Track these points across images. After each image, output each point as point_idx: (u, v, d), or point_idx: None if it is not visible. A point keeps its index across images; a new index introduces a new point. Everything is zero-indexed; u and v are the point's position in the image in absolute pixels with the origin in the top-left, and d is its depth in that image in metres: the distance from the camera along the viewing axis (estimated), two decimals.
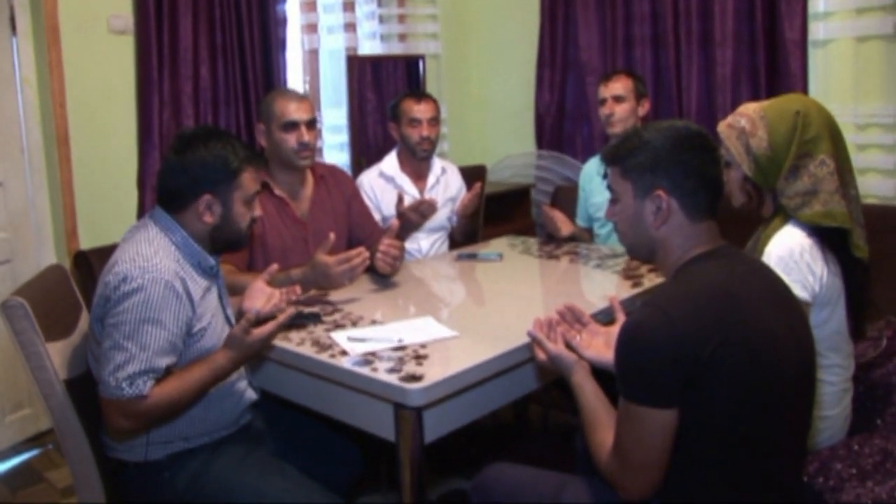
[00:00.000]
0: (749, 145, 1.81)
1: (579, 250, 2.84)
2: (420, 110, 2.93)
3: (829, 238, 1.77)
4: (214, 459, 1.80)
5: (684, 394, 1.33)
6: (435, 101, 3.02)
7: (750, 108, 1.85)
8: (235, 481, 1.77)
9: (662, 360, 1.32)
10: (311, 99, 3.89)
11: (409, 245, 3.00)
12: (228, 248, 1.87)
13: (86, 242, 3.12)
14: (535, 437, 3.04)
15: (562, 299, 1.85)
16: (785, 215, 1.80)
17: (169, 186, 1.77)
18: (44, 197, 3.15)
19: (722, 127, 1.88)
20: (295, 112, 2.44)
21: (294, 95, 2.50)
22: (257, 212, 1.87)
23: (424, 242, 3.05)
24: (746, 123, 1.82)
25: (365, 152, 3.97)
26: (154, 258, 1.68)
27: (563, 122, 4.30)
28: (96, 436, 1.79)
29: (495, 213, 4.17)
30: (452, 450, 2.61)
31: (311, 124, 2.47)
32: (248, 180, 1.80)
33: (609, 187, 1.56)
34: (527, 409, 3.11)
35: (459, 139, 4.66)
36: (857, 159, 3.31)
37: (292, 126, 2.43)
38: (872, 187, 3.31)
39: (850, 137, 3.31)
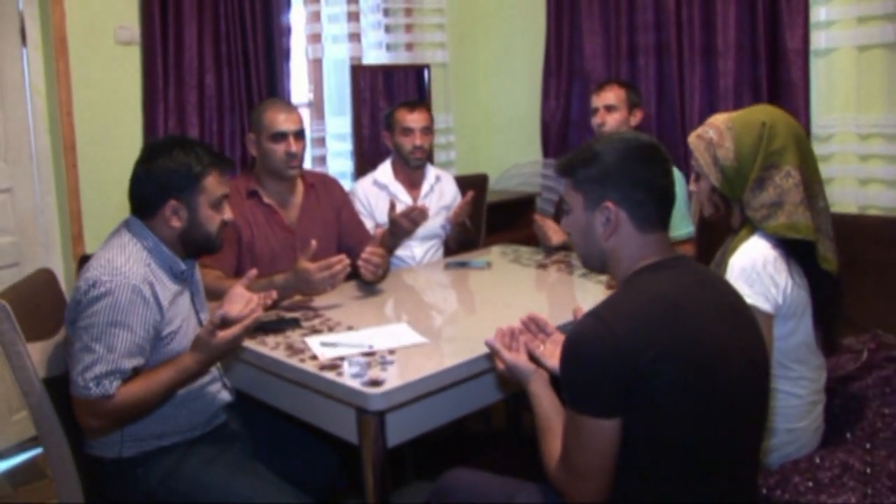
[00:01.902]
0: (716, 156, 1.82)
1: (569, 260, 2.85)
2: (413, 119, 2.97)
3: (795, 250, 1.77)
4: (186, 458, 1.86)
5: (626, 403, 1.34)
6: (429, 111, 3.05)
7: (719, 119, 1.86)
8: (206, 479, 1.83)
9: (602, 371, 1.33)
10: (314, 106, 3.98)
11: (403, 252, 3.04)
12: (201, 251, 1.92)
13: (91, 247, 3.21)
14: (526, 444, 3.05)
15: (543, 308, 1.87)
16: (752, 227, 1.80)
17: (138, 194, 1.84)
18: (51, 202, 3.24)
19: (692, 138, 1.89)
20: (283, 123, 2.49)
21: (283, 106, 2.56)
22: (227, 215, 1.92)
23: (418, 250, 3.08)
24: (714, 134, 1.83)
25: (375, 160, 3.98)
26: (124, 264, 1.75)
27: (568, 131, 4.32)
28: (76, 433, 1.85)
29: (500, 222, 4.20)
30: (442, 455, 2.65)
31: (300, 135, 2.52)
32: (213, 184, 1.86)
33: (562, 198, 1.58)
34: (520, 416, 3.12)
35: (466, 148, 4.69)
36: (859, 170, 3.30)
37: (281, 137, 2.48)
38: (874, 198, 3.28)
39: (852, 147, 3.30)
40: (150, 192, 1.82)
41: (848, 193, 3.34)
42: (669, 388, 1.33)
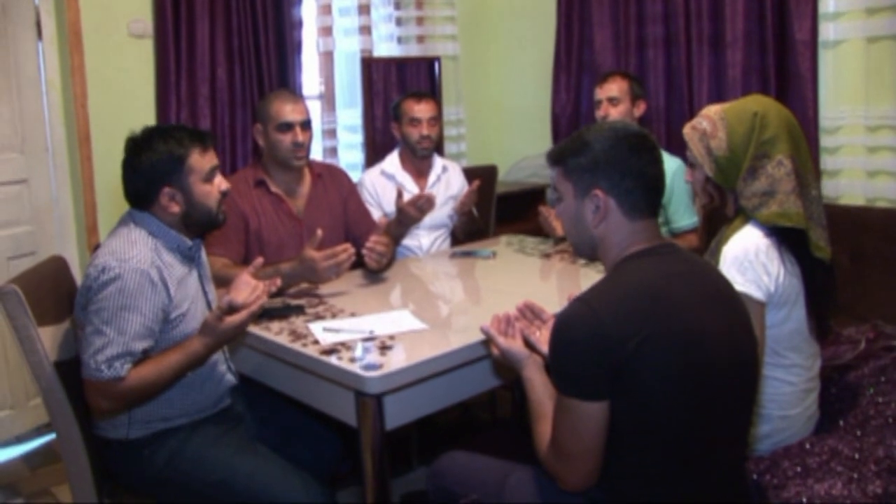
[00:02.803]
0: (710, 147, 1.84)
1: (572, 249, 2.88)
2: (420, 110, 3.01)
3: (787, 238, 1.79)
4: (191, 438, 1.91)
5: (612, 387, 1.38)
6: (436, 101, 3.09)
7: (712, 110, 1.89)
8: (210, 459, 1.88)
9: (587, 354, 1.37)
10: (326, 99, 4.02)
11: (410, 242, 3.08)
12: (205, 228, 1.98)
13: (105, 236, 3.27)
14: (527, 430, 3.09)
15: (545, 296, 1.90)
16: (746, 215, 1.83)
17: (132, 190, 1.90)
18: (66, 193, 3.31)
19: (686, 129, 1.91)
20: (290, 114, 2.53)
21: (289, 97, 2.60)
22: (224, 185, 1.97)
23: (425, 240, 3.11)
24: (708, 125, 1.86)
25: (388, 151, 3.97)
26: (131, 250, 1.81)
27: (578, 123, 4.32)
28: (86, 415, 1.91)
29: (510, 213, 4.22)
30: (447, 443, 2.69)
31: (306, 125, 2.57)
32: (198, 160, 1.90)
33: (554, 186, 1.61)
34: (525, 405, 3.15)
35: (477, 140, 4.72)
36: (867, 162, 3.29)
37: (287, 127, 2.53)
38: (882, 190, 3.27)
39: (860, 140, 3.30)
40: (142, 186, 1.88)
41: (856, 185, 3.33)
42: (654, 373, 1.36)
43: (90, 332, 1.77)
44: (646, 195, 1.51)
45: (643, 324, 1.36)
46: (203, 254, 2.06)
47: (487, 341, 1.76)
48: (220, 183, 1.96)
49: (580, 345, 1.37)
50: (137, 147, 1.88)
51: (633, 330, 1.35)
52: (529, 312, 1.80)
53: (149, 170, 1.86)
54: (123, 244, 1.82)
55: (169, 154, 1.86)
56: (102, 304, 1.76)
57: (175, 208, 1.89)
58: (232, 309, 1.82)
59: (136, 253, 1.80)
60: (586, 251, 1.60)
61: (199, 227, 1.95)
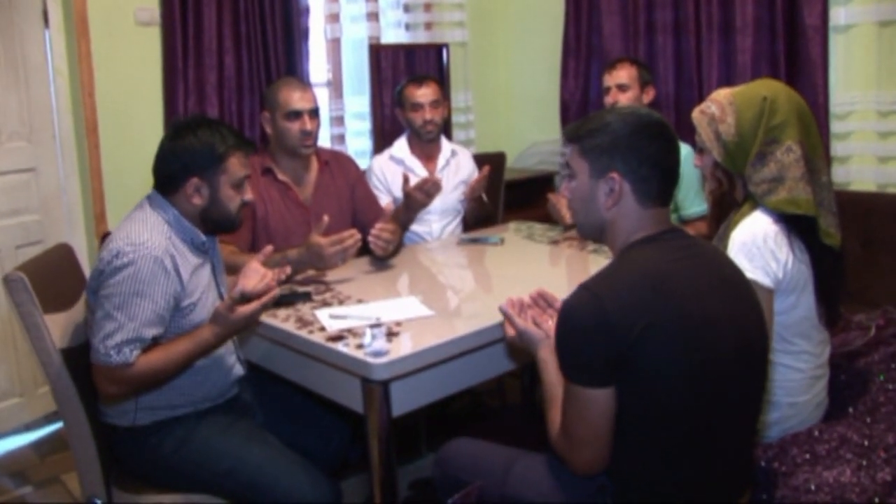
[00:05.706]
0: (718, 131, 1.83)
1: None
2: (421, 94, 3.00)
3: (796, 225, 1.77)
4: (200, 427, 1.91)
5: (618, 374, 1.37)
6: (437, 83, 3.07)
7: (721, 95, 1.87)
8: (218, 448, 1.88)
9: (591, 342, 1.36)
10: (333, 86, 4.01)
11: (421, 228, 3.07)
12: (219, 229, 1.97)
13: (113, 225, 3.27)
14: (536, 417, 3.09)
15: (550, 283, 1.90)
16: (754, 201, 1.81)
17: (162, 170, 1.89)
18: (74, 182, 3.32)
19: (695, 113, 1.89)
20: (298, 102, 2.53)
21: (298, 85, 2.59)
22: (248, 196, 1.96)
23: (436, 225, 3.10)
24: (717, 110, 1.84)
25: (396, 138, 4.00)
26: (146, 236, 1.80)
27: (587, 110, 4.29)
28: (92, 401, 1.92)
29: (519, 200, 4.20)
30: (456, 430, 2.69)
31: (314, 113, 2.56)
32: (235, 165, 1.90)
33: (567, 163, 1.59)
34: (534, 391, 3.15)
35: (486, 127, 4.70)
36: (879, 148, 3.26)
37: (296, 115, 2.52)
38: (894, 176, 3.24)
39: (872, 125, 3.27)
40: (173, 169, 1.87)
41: (867, 171, 3.30)
42: (658, 361, 1.35)
43: (101, 316, 1.77)
44: (660, 184, 1.49)
45: (647, 311, 1.35)
46: (217, 247, 2.06)
47: (502, 322, 1.75)
48: (246, 193, 1.96)
49: (584, 333, 1.36)
50: (183, 130, 1.87)
51: (637, 317, 1.34)
52: (542, 301, 1.79)
53: (187, 155, 1.85)
54: (138, 229, 1.82)
55: (211, 147, 1.86)
56: (114, 290, 1.76)
57: (197, 200, 1.89)
58: (244, 299, 1.82)
59: (151, 239, 1.80)
60: (593, 232, 1.58)
61: (214, 225, 1.95)
